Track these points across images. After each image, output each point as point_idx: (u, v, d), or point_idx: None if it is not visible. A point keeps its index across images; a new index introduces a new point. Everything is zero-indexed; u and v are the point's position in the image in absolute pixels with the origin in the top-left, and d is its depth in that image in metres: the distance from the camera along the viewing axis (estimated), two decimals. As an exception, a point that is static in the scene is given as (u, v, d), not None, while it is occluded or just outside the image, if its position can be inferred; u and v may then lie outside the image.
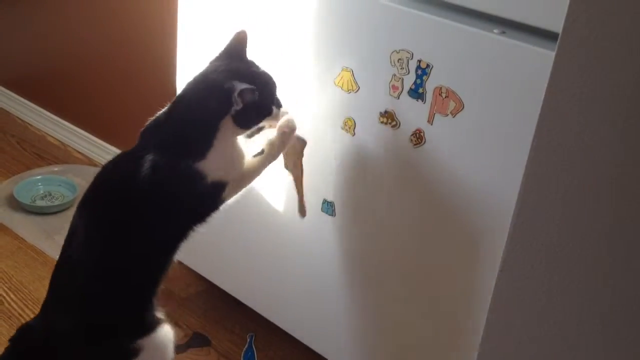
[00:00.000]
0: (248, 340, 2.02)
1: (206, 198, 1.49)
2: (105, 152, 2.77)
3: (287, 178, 1.75)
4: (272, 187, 1.84)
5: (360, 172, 1.65)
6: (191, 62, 1.88)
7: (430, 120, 1.48)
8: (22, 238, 2.32)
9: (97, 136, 2.80)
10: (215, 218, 2.01)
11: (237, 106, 1.41)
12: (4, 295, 2.07)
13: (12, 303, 2.04)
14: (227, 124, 1.43)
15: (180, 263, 2.20)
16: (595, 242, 0.84)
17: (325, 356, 1.91)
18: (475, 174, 1.46)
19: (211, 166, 1.44)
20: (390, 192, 1.61)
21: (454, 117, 1.44)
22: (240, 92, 1.39)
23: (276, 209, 1.85)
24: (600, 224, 0.83)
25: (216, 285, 2.11)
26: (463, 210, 1.51)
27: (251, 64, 1.51)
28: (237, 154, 1.51)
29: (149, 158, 1.42)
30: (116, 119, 2.71)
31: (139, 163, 1.43)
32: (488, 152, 1.42)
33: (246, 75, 1.45)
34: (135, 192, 1.45)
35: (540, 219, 0.88)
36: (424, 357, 1.69)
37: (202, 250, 2.12)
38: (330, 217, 1.73)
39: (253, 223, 1.93)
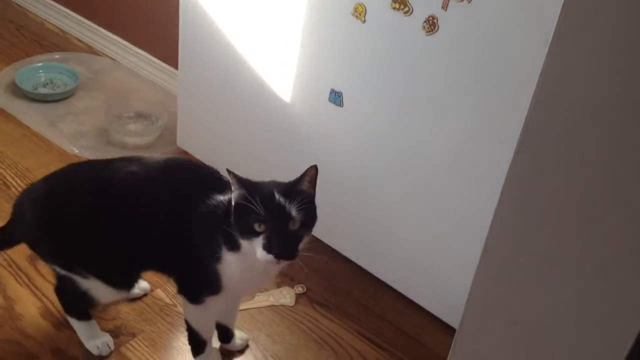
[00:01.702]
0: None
1: None
2: (105, 40, 2.71)
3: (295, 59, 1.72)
4: (280, 77, 1.82)
5: (369, 61, 1.62)
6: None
7: (445, 6, 1.43)
8: (26, 125, 2.31)
9: (97, 24, 2.74)
10: (221, 106, 2.00)
11: None
12: (11, 180, 2.08)
13: (19, 188, 2.05)
14: None
15: (186, 154, 2.20)
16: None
17: (329, 244, 1.94)
18: (489, 64, 1.43)
19: None
20: (400, 81, 1.59)
21: (469, 2, 1.39)
22: None
23: (284, 99, 1.83)
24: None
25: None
26: (473, 100, 1.49)
27: None
28: None
29: None
30: (116, 6, 2.63)
31: None
32: (504, 42, 1.39)
33: None
34: None
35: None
36: (421, 250, 1.72)
37: (207, 140, 2.12)
38: (337, 107, 1.71)
39: (260, 113, 1.91)
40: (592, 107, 0.83)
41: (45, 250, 1.56)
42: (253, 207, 1.30)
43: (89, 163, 1.64)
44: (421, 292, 1.81)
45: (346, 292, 1.89)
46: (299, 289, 1.88)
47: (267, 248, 1.29)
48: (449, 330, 1.79)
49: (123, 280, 1.55)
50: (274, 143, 1.92)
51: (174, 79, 2.47)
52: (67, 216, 1.50)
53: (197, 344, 1.60)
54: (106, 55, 2.73)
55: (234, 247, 1.37)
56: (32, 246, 1.59)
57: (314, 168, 1.35)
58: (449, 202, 1.62)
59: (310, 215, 1.35)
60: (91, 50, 2.75)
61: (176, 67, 2.22)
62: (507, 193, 0.92)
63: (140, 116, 2.39)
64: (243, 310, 1.79)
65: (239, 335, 1.70)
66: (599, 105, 0.82)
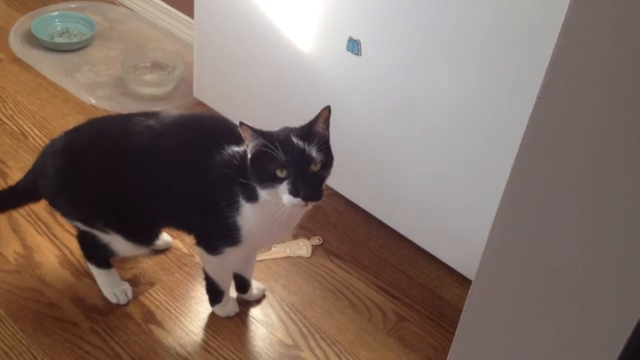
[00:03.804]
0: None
1: None
2: (122, -12, 2.67)
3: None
4: (297, 26, 1.78)
5: (388, 9, 1.58)
6: None
7: (467, -49, 1.38)
8: (42, 75, 2.30)
9: (113, -28, 2.70)
10: (238, 56, 1.97)
11: None
12: (29, 130, 2.09)
13: (37, 138, 2.06)
14: None
15: (202, 104, 2.19)
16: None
17: (346, 196, 1.93)
18: (509, 14, 1.39)
19: None
20: (419, 29, 1.55)
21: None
22: None
23: (301, 49, 1.80)
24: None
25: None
26: (492, 50, 1.45)
27: None
28: None
29: None
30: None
31: None
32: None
33: None
34: None
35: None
36: (438, 201, 1.70)
37: (224, 91, 2.10)
38: (355, 56, 1.68)
39: (276, 63, 1.88)
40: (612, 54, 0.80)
41: (65, 204, 1.57)
42: (274, 153, 1.30)
43: (111, 117, 1.63)
44: (437, 243, 1.80)
45: (362, 243, 1.89)
46: (316, 240, 1.88)
47: (294, 192, 1.30)
48: (465, 282, 1.79)
49: (143, 235, 1.56)
50: (290, 93, 1.90)
51: (190, 29, 2.43)
52: (86, 168, 1.50)
53: (215, 293, 1.61)
54: (122, 4, 2.70)
55: (252, 198, 1.37)
56: (53, 201, 1.60)
57: (327, 109, 1.35)
58: (467, 153, 1.60)
59: (328, 155, 1.35)
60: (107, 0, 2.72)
61: (192, 16, 2.19)
62: (528, 142, 0.89)
63: (157, 66, 2.37)
64: (260, 261, 1.79)
65: (256, 286, 1.71)
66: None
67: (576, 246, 0.93)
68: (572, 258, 0.94)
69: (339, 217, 1.95)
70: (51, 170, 1.53)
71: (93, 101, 2.23)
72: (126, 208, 1.50)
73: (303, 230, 1.90)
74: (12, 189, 1.66)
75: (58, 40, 2.45)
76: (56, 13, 2.53)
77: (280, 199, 1.32)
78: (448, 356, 1.22)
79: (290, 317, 1.68)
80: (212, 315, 1.66)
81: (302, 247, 1.86)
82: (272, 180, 1.31)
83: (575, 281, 0.95)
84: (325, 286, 1.77)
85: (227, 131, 1.43)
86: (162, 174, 1.45)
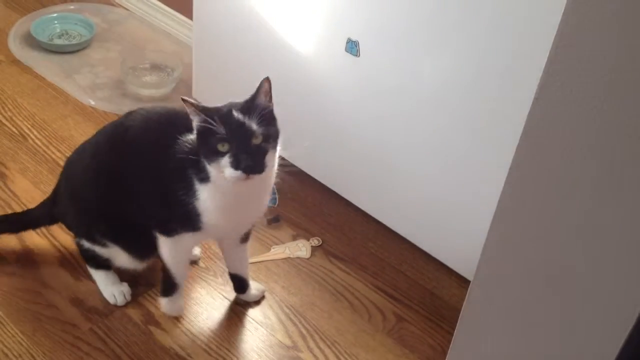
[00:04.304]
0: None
1: None
2: (121, -10, 2.68)
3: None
4: (295, 27, 1.78)
5: (386, 9, 1.58)
6: None
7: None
8: (42, 76, 2.30)
9: (112, -27, 2.70)
10: (237, 57, 1.98)
11: None
12: (28, 132, 2.09)
13: (37, 140, 2.06)
14: None
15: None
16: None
17: (346, 197, 1.94)
18: (508, 17, 1.39)
19: None
20: (417, 30, 1.55)
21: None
22: None
23: (299, 50, 1.80)
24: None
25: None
26: (491, 51, 1.45)
27: None
28: None
29: None
30: (131, -46, 2.59)
31: None
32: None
33: None
34: None
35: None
36: (437, 202, 1.71)
37: (222, 91, 2.10)
38: (354, 57, 1.68)
39: (275, 64, 1.88)
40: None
41: (69, 219, 1.66)
42: (214, 127, 1.30)
43: (111, 123, 1.64)
44: (437, 244, 1.80)
45: (361, 244, 1.90)
46: (315, 241, 1.88)
47: (234, 165, 1.30)
48: (465, 283, 1.79)
49: (137, 246, 1.57)
50: (289, 94, 1.90)
51: (189, 30, 2.44)
52: (79, 177, 1.59)
53: (168, 284, 1.59)
54: (121, 6, 2.70)
55: (204, 178, 1.38)
56: (64, 221, 1.70)
57: (267, 80, 1.35)
58: (466, 153, 1.60)
59: (270, 127, 1.35)
60: (106, 1, 2.72)
61: (191, 17, 2.19)
62: (524, 143, 0.90)
63: (156, 67, 2.37)
64: (259, 262, 1.80)
65: (255, 286, 1.71)
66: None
67: (574, 245, 0.93)
68: (570, 257, 0.95)
69: (339, 218, 1.95)
70: (61, 188, 1.65)
71: (92, 103, 2.23)
72: (115, 216, 1.54)
73: (302, 231, 1.90)
74: (28, 212, 1.76)
75: (57, 41, 2.45)
76: (55, 15, 2.53)
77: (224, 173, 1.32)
78: (447, 357, 1.23)
79: (290, 318, 1.68)
80: (212, 317, 1.66)
81: (302, 248, 1.86)
82: (215, 155, 1.31)
83: (574, 280, 0.96)
84: (324, 287, 1.77)
85: (182, 119, 1.42)
86: (131, 174, 1.48)
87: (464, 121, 1.57)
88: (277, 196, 1.99)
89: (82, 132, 2.09)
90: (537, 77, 0.84)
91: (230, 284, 1.70)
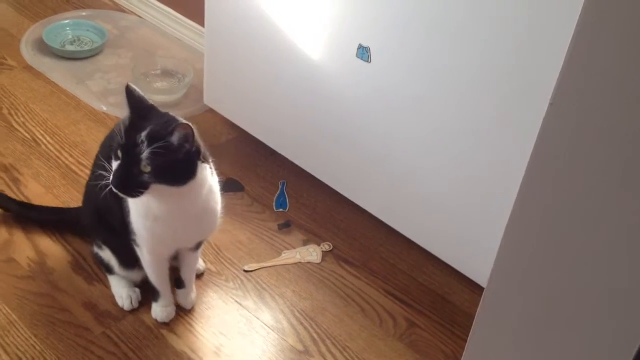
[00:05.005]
0: (280, 186, 2.05)
1: None
2: (132, -3, 2.70)
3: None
4: (306, 33, 1.79)
5: (398, 15, 1.59)
6: None
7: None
8: (54, 82, 2.32)
9: (123, -20, 2.72)
10: (248, 64, 1.99)
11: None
12: (41, 137, 2.10)
13: (49, 145, 2.08)
14: None
15: (212, 111, 2.20)
16: None
17: (356, 202, 1.94)
18: (523, 24, 1.40)
19: None
20: (429, 36, 1.56)
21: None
22: None
23: (310, 56, 1.81)
24: None
25: (248, 133, 2.12)
26: (507, 55, 1.46)
27: None
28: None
29: None
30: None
31: None
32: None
33: None
34: None
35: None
36: (448, 207, 1.71)
37: (233, 98, 2.11)
38: (365, 63, 1.69)
39: (286, 70, 1.89)
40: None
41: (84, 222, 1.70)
42: (119, 132, 1.31)
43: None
44: (448, 249, 1.80)
45: (373, 249, 1.90)
46: (326, 246, 1.89)
47: (110, 175, 1.32)
48: (476, 288, 1.79)
49: (124, 252, 1.58)
50: (300, 100, 1.91)
51: (200, 37, 2.45)
52: (89, 184, 1.65)
53: (153, 289, 1.61)
54: (132, 12, 2.72)
55: None
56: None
57: (188, 127, 1.30)
58: (478, 159, 1.60)
59: (164, 168, 1.30)
60: (117, 7, 2.74)
61: (202, 24, 2.20)
62: (539, 149, 0.90)
63: (167, 74, 2.38)
64: (270, 267, 1.80)
65: (193, 295, 1.69)
66: None
67: (591, 252, 0.93)
68: (587, 263, 0.95)
69: (349, 223, 1.96)
70: None
71: (104, 108, 2.25)
72: (105, 221, 1.58)
73: (313, 236, 1.91)
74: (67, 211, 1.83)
75: (69, 48, 2.47)
76: (67, 21, 2.55)
77: None
78: (460, 362, 1.23)
79: (301, 323, 1.69)
80: (224, 321, 1.67)
81: (312, 253, 1.87)
82: (115, 157, 1.32)
83: (591, 287, 0.96)
84: (335, 292, 1.78)
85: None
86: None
87: (477, 127, 1.57)
88: (287, 201, 2.01)
89: (94, 138, 2.10)
90: (551, 78, 0.85)
91: (242, 288, 1.71)
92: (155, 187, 1.32)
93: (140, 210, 1.43)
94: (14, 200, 1.84)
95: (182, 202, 1.40)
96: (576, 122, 0.86)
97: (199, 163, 1.36)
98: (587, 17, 0.81)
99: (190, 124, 1.30)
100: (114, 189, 1.32)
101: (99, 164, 1.48)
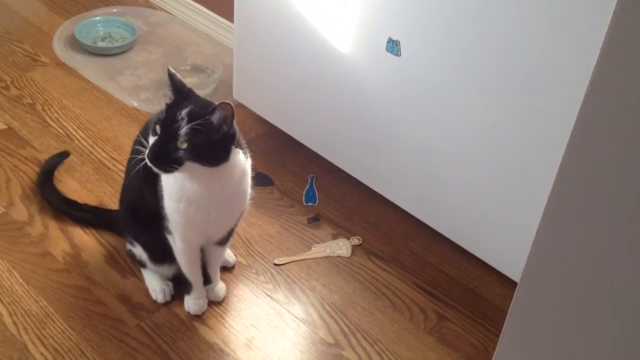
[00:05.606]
0: (309, 181, 2.06)
1: None
2: (161, -7, 2.72)
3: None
4: (335, 28, 1.80)
5: (428, 8, 1.59)
6: None
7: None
8: (86, 79, 2.35)
9: (152, -23, 2.75)
10: (277, 58, 2.00)
11: None
12: (74, 133, 2.14)
13: (82, 140, 2.11)
14: None
15: (241, 106, 2.22)
16: None
17: (385, 195, 1.94)
18: (557, 20, 1.39)
19: None
20: (460, 29, 1.55)
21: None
22: None
23: (340, 50, 1.82)
24: None
25: (278, 127, 2.13)
26: (538, 49, 1.45)
27: None
28: None
29: None
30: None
31: None
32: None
33: None
34: None
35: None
36: (479, 200, 1.70)
37: (262, 92, 2.13)
38: (394, 57, 1.69)
39: (315, 65, 1.90)
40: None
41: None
42: (162, 108, 1.34)
43: None
44: (478, 243, 1.80)
45: (402, 243, 1.90)
46: (355, 240, 1.90)
47: (147, 148, 1.33)
48: (506, 282, 1.78)
49: (154, 245, 1.61)
50: (329, 94, 1.92)
51: (229, 32, 2.47)
52: (125, 181, 1.67)
53: (184, 282, 1.64)
54: (162, 9, 2.74)
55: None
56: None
57: (229, 107, 1.33)
58: (511, 152, 1.59)
59: (200, 146, 1.32)
60: (148, 4, 2.77)
61: (231, 20, 2.21)
62: (575, 141, 0.90)
63: (197, 69, 2.40)
64: (300, 260, 1.81)
65: (220, 287, 1.70)
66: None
67: (627, 247, 0.92)
68: (622, 259, 0.94)
69: (378, 217, 1.96)
70: None
71: (135, 104, 2.27)
72: (137, 213, 1.61)
73: (342, 230, 1.92)
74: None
75: (100, 44, 2.50)
76: (98, 18, 2.58)
77: None
78: (493, 357, 1.23)
79: (332, 316, 1.70)
80: (255, 314, 1.69)
81: (342, 247, 1.88)
82: (153, 132, 1.34)
83: (626, 282, 0.95)
84: (365, 285, 1.78)
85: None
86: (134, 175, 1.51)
87: (509, 119, 1.56)
88: (317, 195, 2.01)
89: (126, 133, 2.13)
90: (588, 75, 0.84)
91: (273, 281, 1.73)
92: (189, 166, 1.34)
93: (173, 194, 1.44)
94: (60, 196, 1.87)
95: (215, 185, 1.42)
96: (614, 113, 0.85)
97: (233, 148, 1.39)
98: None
99: (231, 103, 1.33)
100: (148, 163, 1.33)
101: (133, 157, 1.51)
